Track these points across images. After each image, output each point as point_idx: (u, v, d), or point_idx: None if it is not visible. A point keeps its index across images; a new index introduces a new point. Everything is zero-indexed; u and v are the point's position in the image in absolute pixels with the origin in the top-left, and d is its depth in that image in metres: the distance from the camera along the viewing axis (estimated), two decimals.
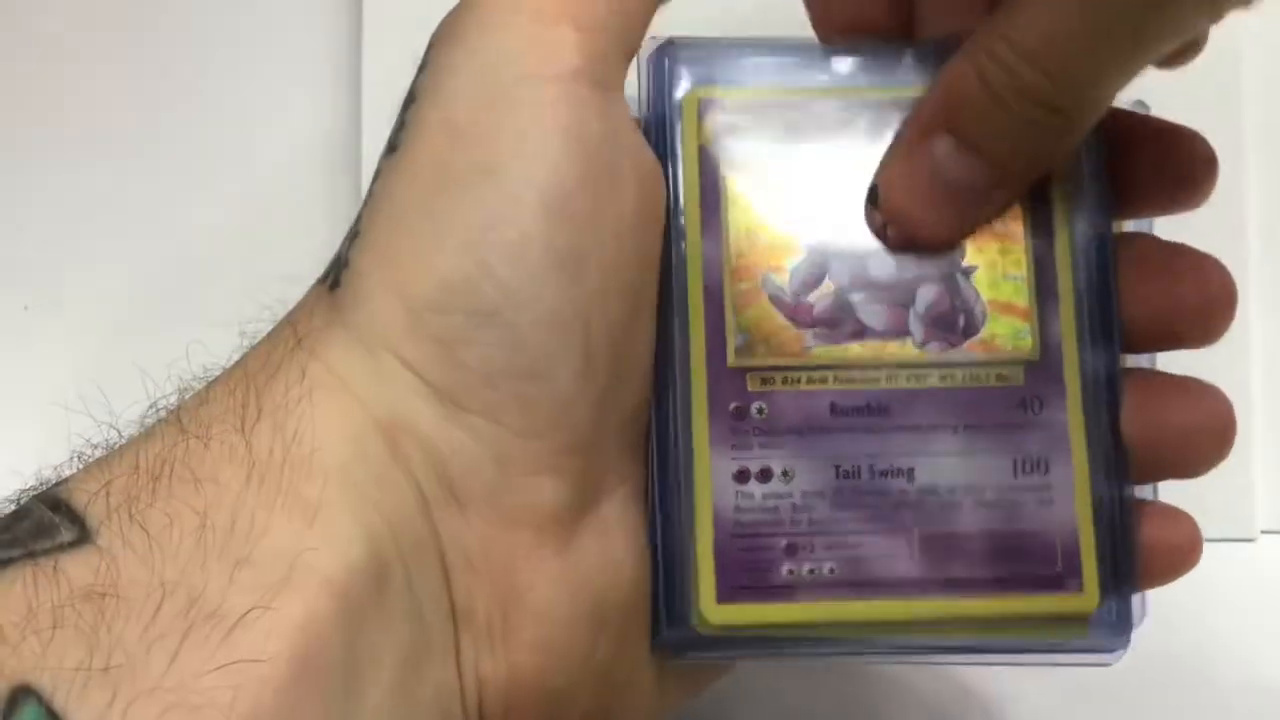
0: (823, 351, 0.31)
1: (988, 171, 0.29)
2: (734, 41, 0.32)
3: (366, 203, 0.29)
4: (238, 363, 0.28)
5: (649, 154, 0.30)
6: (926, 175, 0.30)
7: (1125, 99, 0.45)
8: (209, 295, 0.50)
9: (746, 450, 0.30)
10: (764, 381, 0.30)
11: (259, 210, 0.52)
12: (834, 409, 0.30)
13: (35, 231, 0.50)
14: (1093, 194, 0.31)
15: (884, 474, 0.30)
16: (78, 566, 0.23)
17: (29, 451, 0.47)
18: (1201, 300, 0.30)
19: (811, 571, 0.30)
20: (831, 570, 0.30)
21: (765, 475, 0.30)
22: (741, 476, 0.30)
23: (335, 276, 0.28)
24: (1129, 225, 0.33)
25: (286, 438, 0.25)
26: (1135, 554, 0.30)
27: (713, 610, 0.29)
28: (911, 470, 0.30)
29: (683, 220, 0.31)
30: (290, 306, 0.29)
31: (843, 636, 0.30)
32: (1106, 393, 0.31)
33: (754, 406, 0.30)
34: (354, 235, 0.29)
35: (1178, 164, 0.32)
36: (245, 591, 0.23)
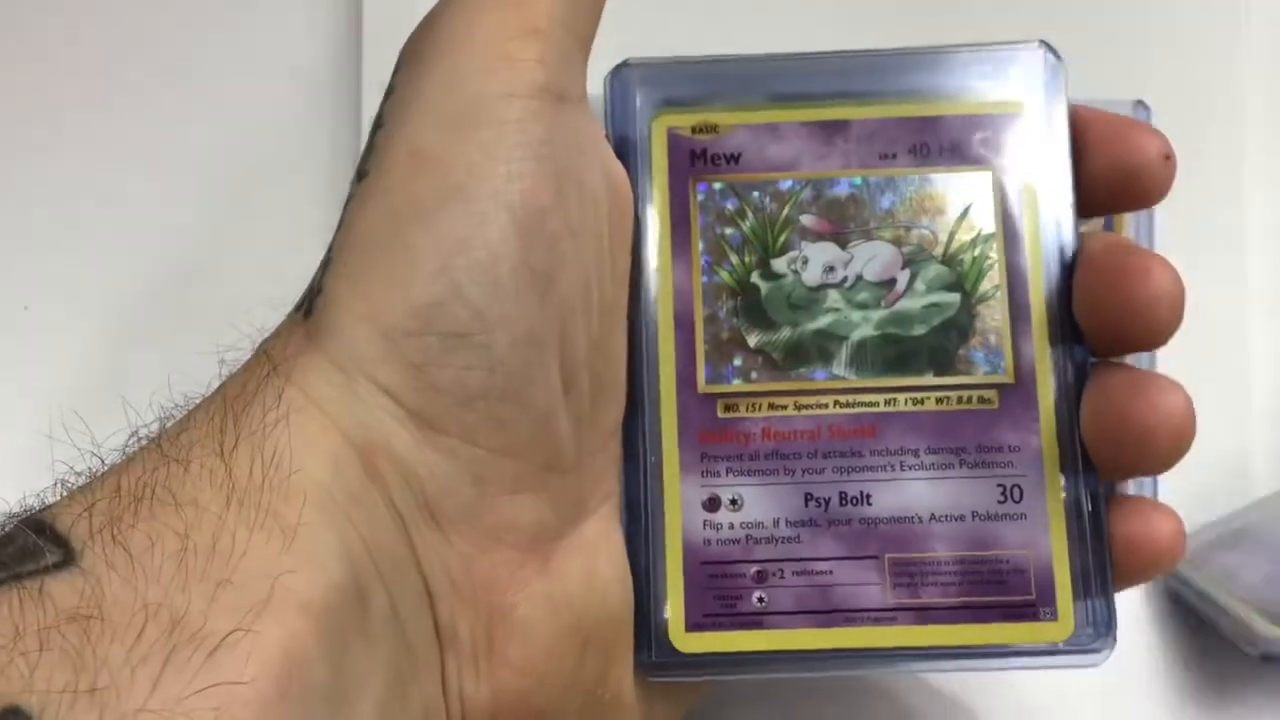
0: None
1: None
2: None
3: (338, 230, 0.29)
4: (216, 390, 0.28)
5: (618, 167, 0.31)
6: None
7: (1125, 99, 0.45)
8: (208, 296, 0.50)
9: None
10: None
11: (256, 210, 0.52)
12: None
13: (36, 232, 0.51)
14: (1062, 199, 0.31)
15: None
16: (62, 589, 0.23)
17: (30, 451, 0.48)
18: (1146, 303, 0.29)
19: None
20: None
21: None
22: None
23: (309, 304, 0.29)
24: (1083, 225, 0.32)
25: (265, 461, 0.26)
26: (1109, 566, 0.30)
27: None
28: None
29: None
30: (267, 333, 0.30)
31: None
32: (1074, 402, 0.30)
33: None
34: (326, 263, 0.29)
35: (1133, 160, 0.31)
36: (227, 613, 0.23)
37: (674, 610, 0.30)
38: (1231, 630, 0.39)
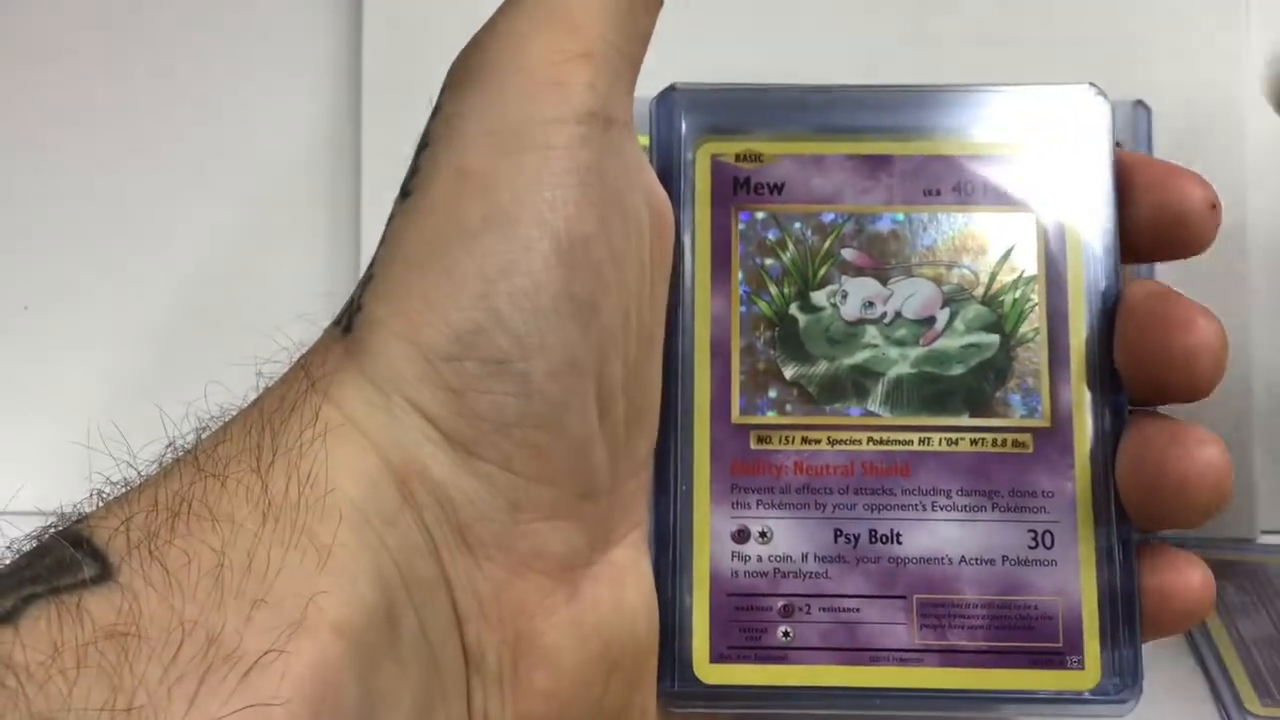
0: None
1: None
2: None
3: (380, 247, 0.29)
4: (253, 403, 0.28)
5: (661, 191, 0.30)
6: None
7: (1125, 99, 0.45)
8: (205, 293, 0.50)
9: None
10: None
11: (257, 210, 0.52)
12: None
13: (35, 232, 0.50)
14: (1105, 244, 0.31)
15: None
16: (100, 605, 0.23)
17: (28, 452, 0.47)
18: (1187, 353, 0.29)
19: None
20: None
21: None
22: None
23: (348, 320, 0.28)
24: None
25: (301, 479, 0.25)
26: (1139, 616, 0.30)
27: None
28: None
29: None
30: (303, 347, 0.29)
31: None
32: (1111, 451, 0.30)
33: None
34: (368, 279, 0.28)
35: (1179, 208, 0.31)
36: (262, 632, 0.23)
37: (699, 640, 0.30)
38: None
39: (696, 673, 0.30)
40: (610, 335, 0.28)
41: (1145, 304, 0.30)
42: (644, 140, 0.31)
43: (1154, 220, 0.31)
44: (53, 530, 0.25)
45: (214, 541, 0.24)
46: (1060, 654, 0.30)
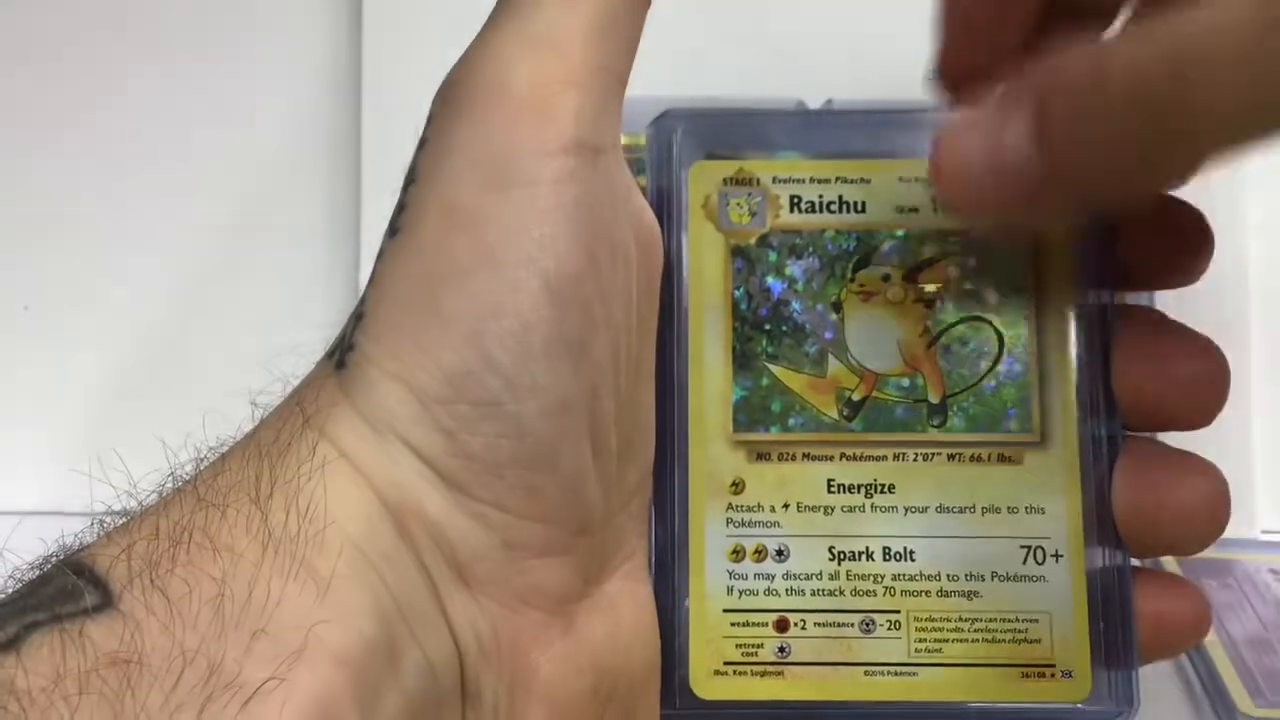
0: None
1: (1046, 174, 0.26)
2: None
3: (370, 286, 0.29)
4: (249, 436, 0.28)
5: (649, 215, 0.30)
6: (984, 150, 0.27)
7: None
8: (203, 295, 0.50)
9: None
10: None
11: (257, 210, 0.52)
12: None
13: (35, 232, 0.50)
14: (1099, 267, 0.31)
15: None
16: (102, 632, 0.23)
17: (28, 451, 0.48)
18: (1192, 383, 0.30)
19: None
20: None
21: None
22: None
23: (341, 356, 0.28)
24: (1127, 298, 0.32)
25: (300, 512, 0.26)
26: (1132, 634, 0.30)
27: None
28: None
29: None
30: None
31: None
32: (1107, 473, 0.31)
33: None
34: (359, 316, 0.28)
35: (1176, 240, 0.31)
36: (262, 663, 0.23)
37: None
38: None
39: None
40: (601, 371, 0.28)
41: (1145, 333, 0.31)
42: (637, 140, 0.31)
43: (1150, 248, 0.31)
44: (54, 559, 0.25)
45: (215, 571, 0.24)
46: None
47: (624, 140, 0.29)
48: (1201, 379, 0.30)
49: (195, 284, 0.50)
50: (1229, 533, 0.47)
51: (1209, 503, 0.29)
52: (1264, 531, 0.49)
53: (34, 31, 0.51)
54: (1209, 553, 0.45)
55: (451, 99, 0.28)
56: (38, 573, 0.25)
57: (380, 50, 0.52)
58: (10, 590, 0.24)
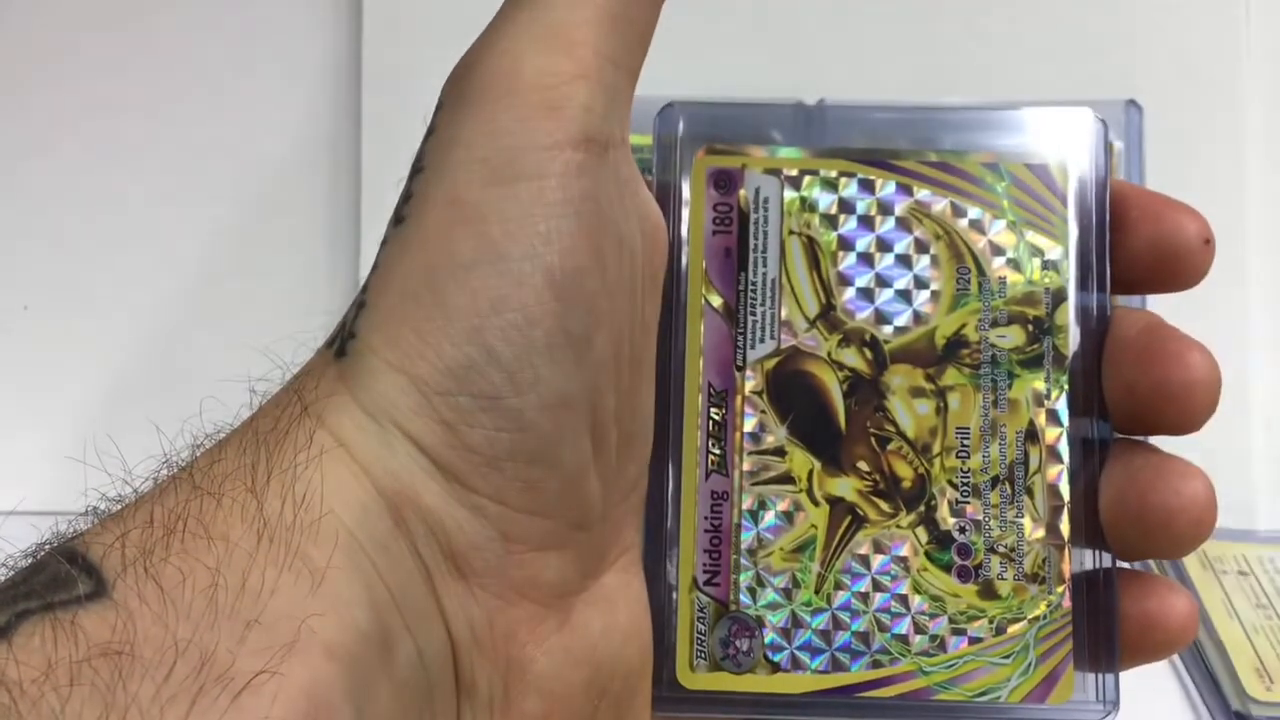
0: None
1: None
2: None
3: (373, 272, 0.28)
4: (246, 423, 0.27)
5: (654, 208, 0.30)
6: None
7: (1119, 98, 0.45)
8: (203, 295, 0.50)
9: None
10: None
11: (257, 209, 0.52)
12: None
13: (35, 232, 0.50)
14: (1095, 267, 0.31)
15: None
16: (94, 622, 0.23)
17: (28, 451, 0.48)
18: (1182, 388, 0.30)
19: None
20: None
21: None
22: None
23: (341, 345, 0.28)
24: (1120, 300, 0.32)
25: (296, 501, 0.25)
26: (1116, 636, 0.30)
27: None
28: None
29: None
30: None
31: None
32: (1095, 475, 0.31)
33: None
34: (360, 305, 0.28)
35: (1172, 241, 0.31)
36: (254, 654, 0.23)
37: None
38: None
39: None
40: (603, 367, 0.28)
41: (1137, 337, 0.30)
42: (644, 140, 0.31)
43: (1147, 253, 0.31)
44: (48, 546, 0.25)
45: (209, 560, 0.24)
46: None
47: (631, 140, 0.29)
48: (1192, 384, 0.29)
49: (195, 284, 0.50)
50: (1230, 523, 0.47)
51: (1195, 507, 0.29)
52: (1265, 530, 0.49)
53: (34, 32, 0.51)
54: (1216, 541, 0.45)
55: (461, 88, 0.28)
56: (31, 560, 0.25)
57: (380, 51, 0.52)
58: (2, 578, 0.24)
